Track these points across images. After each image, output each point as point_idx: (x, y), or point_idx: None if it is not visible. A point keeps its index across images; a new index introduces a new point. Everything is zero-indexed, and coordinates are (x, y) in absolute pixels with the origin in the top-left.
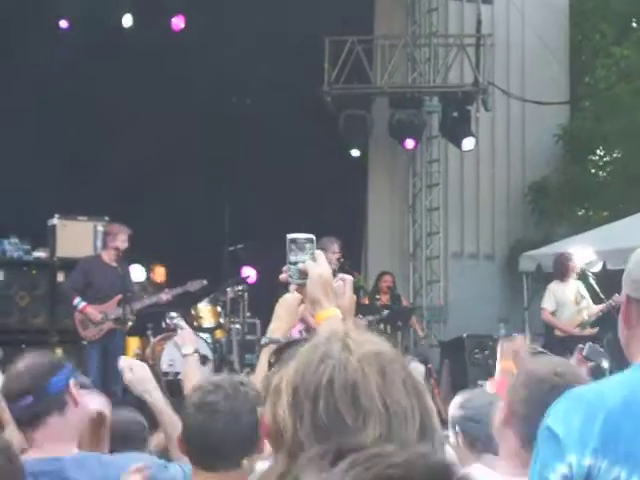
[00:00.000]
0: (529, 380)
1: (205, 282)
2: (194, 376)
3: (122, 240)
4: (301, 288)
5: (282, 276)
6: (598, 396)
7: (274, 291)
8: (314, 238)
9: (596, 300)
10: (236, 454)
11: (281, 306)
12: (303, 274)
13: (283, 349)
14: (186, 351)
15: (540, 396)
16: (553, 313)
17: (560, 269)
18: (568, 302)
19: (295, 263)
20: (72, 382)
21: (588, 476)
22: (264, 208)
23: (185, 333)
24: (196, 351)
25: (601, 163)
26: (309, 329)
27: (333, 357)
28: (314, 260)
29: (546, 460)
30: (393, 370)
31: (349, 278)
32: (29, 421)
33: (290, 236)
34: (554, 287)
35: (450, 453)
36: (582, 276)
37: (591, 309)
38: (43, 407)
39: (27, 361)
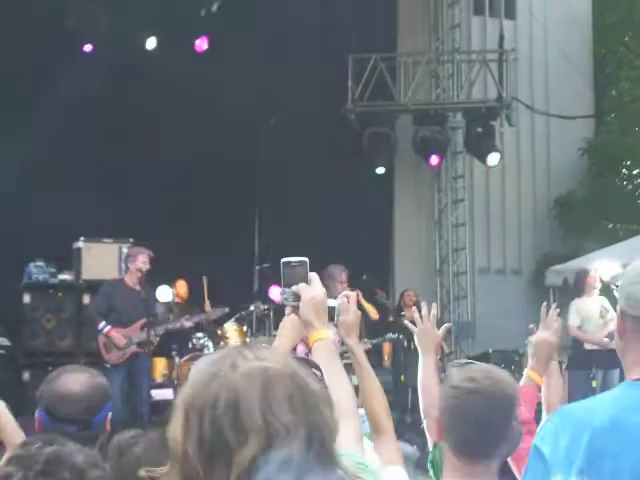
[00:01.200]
0: (445, 391)
1: (227, 309)
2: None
3: (142, 261)
4: (296, 310)
5: (278, 299)
6: (586, 414)
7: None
8: (307, 261)
9: None
10: None
11: (284, 324)
12: (297, 297)
13: None
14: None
15: (458, 404)
16: (579, 328)
17: (578, 285)
18: (593, 316)
19: (290, 286)
20: (110, 414)
21: None
22: (292, 226)
23: None
24: None
25: (628, 176)
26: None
27: (220, 375)
28: (308, 283)
29: (533, 479)
30: (279, 386)
31: (353, 295)
32: None
33: (284, 260)
34: (577, 303)
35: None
36: (606, 290)
37: (610, 324)
38: (82, 438)
39: (82, 384)
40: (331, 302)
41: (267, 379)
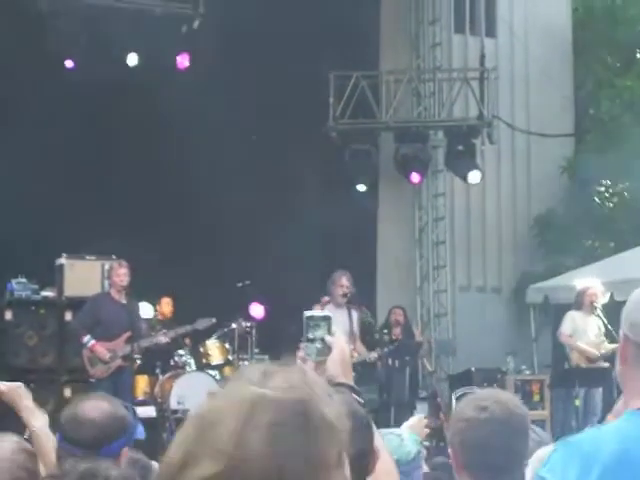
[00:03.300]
0: (457, 424)
1: (214, 320)
2: (48, 451)
3: (119, 274)
4: (319, 365)
5: (300, 354)
6: (594, 447)
7: (283, 327)
8: (331, 316)
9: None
10: None
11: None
12: (322, 352)
13: None
14: (34, 424)
15: (474, 435)
16: (569, 337)
17: (577, 299)
18: (587, 332)
19: (312, 340)
20: (126, 449)
21: None
22: (274, 245)
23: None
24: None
25: (607, 194)
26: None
27: (225, 390)
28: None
29: None
30: (264, 413)
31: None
32: None
33: (307, 313)
34: (573, 314)
35: None
36: (592, 309)
37: (607, 346)
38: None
39: (100, 412)
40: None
41: (252, 405)
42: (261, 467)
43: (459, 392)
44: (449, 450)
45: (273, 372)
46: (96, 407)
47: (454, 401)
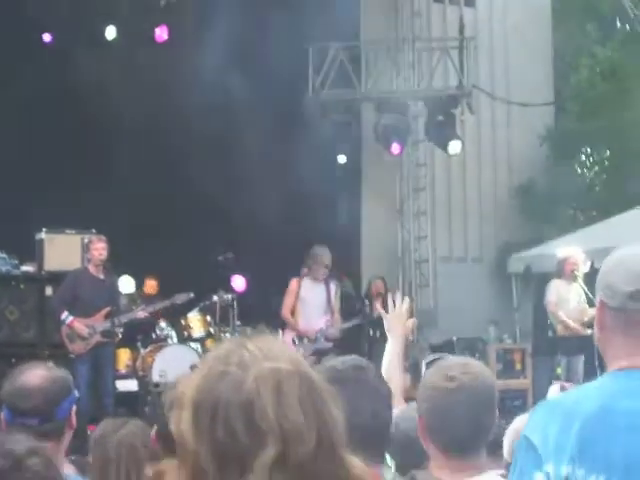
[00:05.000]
0: (425, 392)
1: (192, 295)
2: None
3: (96, 249)
4: None
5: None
6: (574, 404)
7: (264, 299)
8: None
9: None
10: None
11: None
12: None
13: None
14: None
15: (441, 404)
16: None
17: (558, 267)
18: (567, 300)
19: None
20: (74, 407)
21: None
22: (255, 216)
23: None
24: None
25: (588, 163)
26: (301, 336)
27: (229, 374)
28: None
29: (524, 470)
30: (290, 387)
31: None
32: None
33: None
34: (556, 282)
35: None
36: (573, 277)
37: (590, 312)
38: (45, 431)
39: (41, 378)
40: None
41: (279, 380)
42: (307, 436)
43: (429, 358)
44: (417, 419)
45: (262, 342)
46: (36, 375)
47: (424, 368)
